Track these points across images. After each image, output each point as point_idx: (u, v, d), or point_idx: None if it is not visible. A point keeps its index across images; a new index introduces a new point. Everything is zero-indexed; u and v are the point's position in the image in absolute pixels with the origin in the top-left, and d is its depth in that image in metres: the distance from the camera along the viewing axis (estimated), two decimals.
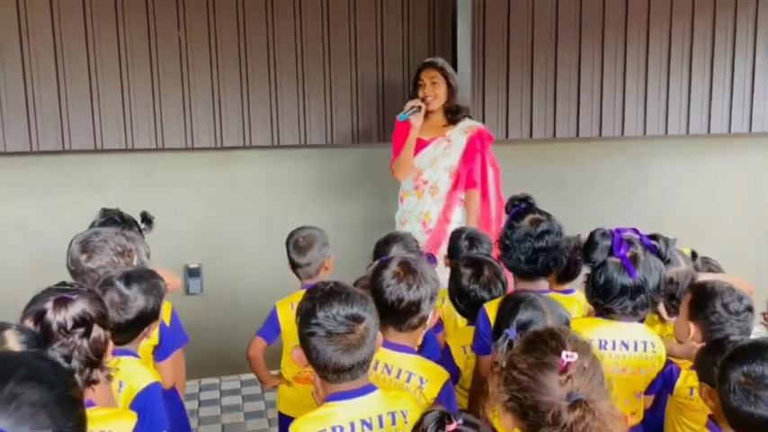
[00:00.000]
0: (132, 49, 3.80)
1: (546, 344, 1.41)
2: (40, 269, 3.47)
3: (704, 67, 4.70)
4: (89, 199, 3.38)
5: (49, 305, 1.57)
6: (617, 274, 2.02)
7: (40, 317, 1.56)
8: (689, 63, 4.67)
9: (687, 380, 2.09)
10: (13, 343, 1.35)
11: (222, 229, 4.20)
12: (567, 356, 1.35)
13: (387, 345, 1.94)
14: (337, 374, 1.64)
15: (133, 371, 1.96)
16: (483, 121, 4.35)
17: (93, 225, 2.53)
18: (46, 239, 3.74)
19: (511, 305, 1.94)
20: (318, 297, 1.66)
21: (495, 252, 2.57)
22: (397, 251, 2.58)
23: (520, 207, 2.37)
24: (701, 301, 2.11)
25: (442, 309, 2.65)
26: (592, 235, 2.10)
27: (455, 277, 2.46)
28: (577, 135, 4.57)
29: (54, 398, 0.99)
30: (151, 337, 2.14)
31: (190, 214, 4.13)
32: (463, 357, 2.33)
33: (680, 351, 2.20)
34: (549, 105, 4.48)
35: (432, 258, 2.61)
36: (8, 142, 3.71)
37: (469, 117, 3.74)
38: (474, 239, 2.82)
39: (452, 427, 1.33)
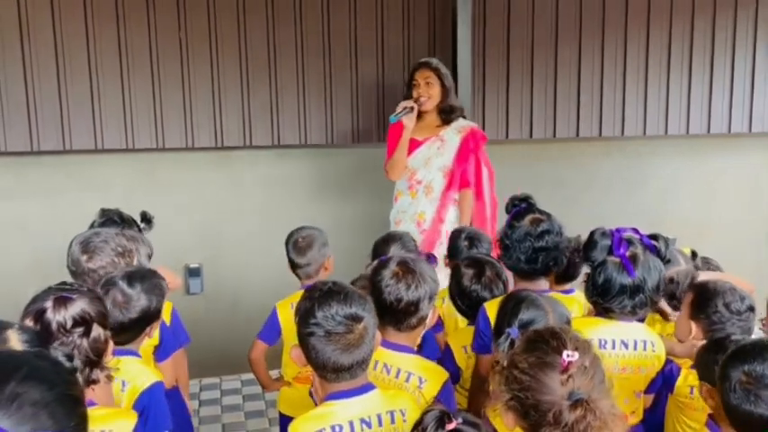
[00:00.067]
0: (133, 50, 3.81)
1: (547, 343, 1.41)
2: (41, 269, 3.47)
3: (704, 67, 4.70)
4: (90, 199, 3.38)
5: (48, 304, 1.58)
6: (616, 274, 2.03)
7: (39, 316, 1.57)
8: (689, 63, 4.67)
9: (687, 379, 2.09)
10: (15, 342, 1.36)
11: (222, 228, 4.21)
12: (568, 356, 1.36)
13: (386, 344, 1.94)
14: (336, 374, 1.64)
15: (136, 370, 1.97)
16: (483, 121, 4.36)
17: (92, 225, 2.53)
18: (46, 239, 3.73)
19: (512, 304, 1.94)
20: (317, 297, 1.66)
21: (495, 252, 2.57)
22: (395, 251, 2.58)
23: (520, 207, 2.37)
24: (703, 300, 2.11)
25: (442, 309, 2.65)
26: (592, 234, 2.11)
27: (456, 277, 2.46)
28: (577, 135, 4.57)
29: (55, 397, 0.99)
30: (153, 337, 2.14)
31: (190, 214, 4.13)
32: (464, 357, 2.33)
33: (681, 350, 2.20)
34: (549, 105, 4.48)
35: (432, 258, 2.61)
36: (9, 142, 3.72)
37: (464, 117, 3.74)
38: (474, 239, 2.82)
39: (452, 425, 1.33)
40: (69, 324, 1.57)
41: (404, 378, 1.93)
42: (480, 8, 4.24)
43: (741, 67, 4.75)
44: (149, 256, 2.38)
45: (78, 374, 1.53)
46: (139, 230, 2.57)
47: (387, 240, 2.71)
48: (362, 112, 4.19)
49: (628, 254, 2.04)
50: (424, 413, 1.38)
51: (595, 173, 4.79)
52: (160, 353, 2.33)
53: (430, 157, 3.63)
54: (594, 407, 1.32)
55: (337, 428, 1.63)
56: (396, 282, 1.93)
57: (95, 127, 3.81)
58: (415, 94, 3.60)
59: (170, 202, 4.03)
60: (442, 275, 2.51)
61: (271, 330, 2.66)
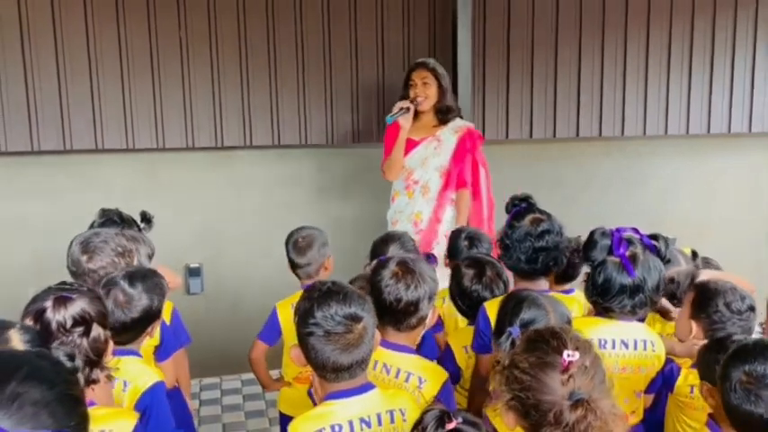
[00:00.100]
0: (133, 50, 3.81)
1: (547, 343, 1.42)
2: (41, 269, 3.48)
3: (704, 67, 4.71)
4: (90, 199, 3.38)
5: (48, 304, 1.58)
6: (616, 273, 2.03)
7: (39, 316, 1.57)
8: (689, 63, 4.68)
9: (687, 378, 2.09)
10: (17, 342, 1.36)
11: (223, 228, 4.21)
12: (569, 356, 1.36)
13: (386, 344, 1.95)
14: (336, 374, 1.64)
15: (137, 370, 1.97)
16: (483, 121, 4.36)
17: (92, 225, 2.53)
18: (46, 239, 3.74)
19: (513, 303, 1.94)
20: (316, 297, 1.66)
21: (495, 251, 2.57)
22: (394, 251, 2.58)
23: (520, 207, 2.37)
24: (704, 299, 2.12)
25: (442, 309, 2.65)
26: (591, 234, 2.11)
27: (457, 278, 2.45)
28: (577, 135, 4.57)
29: (55, 397, 0.99)
30: (154, 336, 2.14)
31: (190, 214, 4.14)
32: (464, 357, 2.33)
33: (681, 350, 2.20)
34: (549, 105, 4.48)
35: (432, 258, 2.61)
36: (9, 142, 3.72)
37: (460, 117, 3.75)
38: (474, 239, 2.82)
39: (452, 425, 1.33)
40: (69, 324, 1.57)
41: (403, 378, 1.93)
42: (480, 8, 4.24)
43: (741, 66, 4.75)
44: (151, 256, 2.38)
45: (80, 374, 1.54)
46: (139, 230, 2.57)
47: (385, 240, 2.71)
48: (362, 112, 4.19)
49: (628, 254, 2.04)
50: (424, 412, 1.38)
51: (595, 173, 4.79)
52: (161, 353, 2.33)
53: (427, 157, 3.63)
54: (595, 407, 1.32)
55: (337, 428, 1.63)
56: (395, 282, 1.93)
57: (95, 127, 3.82)
58: (411, 94, 3.60)
59: (170, 202, 4.03)
60: (441, 275, 2.51)
61: (271, 331, 2.66)
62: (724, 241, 4.67)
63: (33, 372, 1.00)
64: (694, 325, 2.13)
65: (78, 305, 1.60)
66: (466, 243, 2.81)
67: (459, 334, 2.44)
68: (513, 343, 1.51)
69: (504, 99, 4.40)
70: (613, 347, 2.04)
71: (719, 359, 1.61)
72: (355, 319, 1.64)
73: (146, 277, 2.03)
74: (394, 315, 1.95)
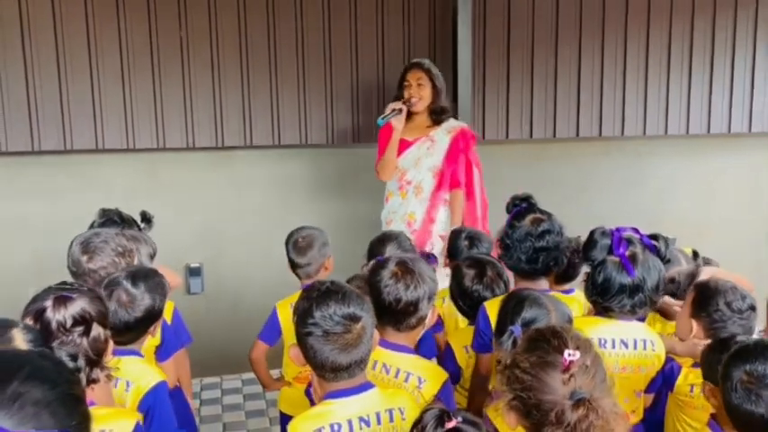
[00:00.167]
0: (134, 50, 3.81)
1: (548, 342, 1.42)
2: (41, 269, 3.48)
3: (704, 67, 4.71)
4: (90, 199, 3.38)
5: (48, 303, 1.58)
6: (616, 273, 2.03)
7: (39, 315, 1.57)
8: (689, 63, 4.68)
9: (688, 377, 2.10)
10: (20, 341, 1.36)
11: (223, 228, 4.21)
12: (570, 355, 1.36)
13: (385, 344, 1.95)
14: (335, 373, 1.65)
15: (139, 371, 1.97)
16: (483, 121, 4.37)
17: (92, 225, 2.54)
18: (47, 239, 3.74)
19: (515, 302, 1.94)
20: (315, 297, 1.66)
21: (495, 251, 2.57)
22: (391, 250, 2.57)
23: (521, 206, 2.37)
24: (704, 298, 2.12)
25: (442, 309, 2.65)
26: (591, 233, 2.11)
27: (457, 278, 2.45)
28: (577, 135, 4.57)
29: (57, 396, 0.99)
30: (156, 336, 2.14)
31: (191, 214, 4.14)
32: (465, 357, 2.33)
33: (682, 349, 2.20)
34: (549, 105, 4.49)
35: (432, 258, 2.61)
36: (10, 142, 3.72)
37: (454, 117, 3.75)
38: (474, 239, 2.82)
39: (452, 424, 1.33)
40: (69, 323, 1.57)
41: (403, 378, 1.93)
42: (480, 8, 4.24)
43: (741, 66, 4.76)
44: (152, 256, 2.39)
45: (82, 374, 1.54)
46: (139, 230, 2.57)
47: (383, 240, 2.71)
48: (362, 112, 4.19)
49: (627, 253, 2.04)
50: (424, 412, 1.38)
51: (595, 173, 4.79)
52: (162, 352, 2.33)
53: (420, 158, 3.64)
54: (597, 406, 1.32)
55: (336, 427, 1.63)
56: (395, 282, 1.93)
57: (96, 127, 3.82)
58: (406, 94, 3.61)
59: (170, 202, 4.03)
60: (439, 275, 2.51)
61: (271, 331, 2.66)
62: (724, 241, 4.67)
63: (35, 371, 1.00)
64: (695, 324, 2.13)
65: (78, 305, 1.60)
66: (466, 243, 2.81)
67: (460, 334, 2.44)
68: (514, 342, 1.52)
69: (504, 99, 4.40)
70: (613, 347, 2.04)
71: (723, 359, 1.61)
72: (354, 318, 1.64)
73: (148, 277, 2.03)
74: (393, 315, 1.95)
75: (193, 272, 4.17)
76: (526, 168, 4.53)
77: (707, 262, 2.64)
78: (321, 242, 2.70)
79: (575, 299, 2.39)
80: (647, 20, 4.55)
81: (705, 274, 2.39)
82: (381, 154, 3.68)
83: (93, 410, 1.08)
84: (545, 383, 1.36)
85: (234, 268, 4.24)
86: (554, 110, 4.49)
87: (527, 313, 1.89)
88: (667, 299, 2.40)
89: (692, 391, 2.09)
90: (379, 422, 1.66)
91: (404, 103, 3.58)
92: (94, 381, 1.62)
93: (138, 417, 1.72)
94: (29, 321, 1.57)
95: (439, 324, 2.58)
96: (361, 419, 1.65)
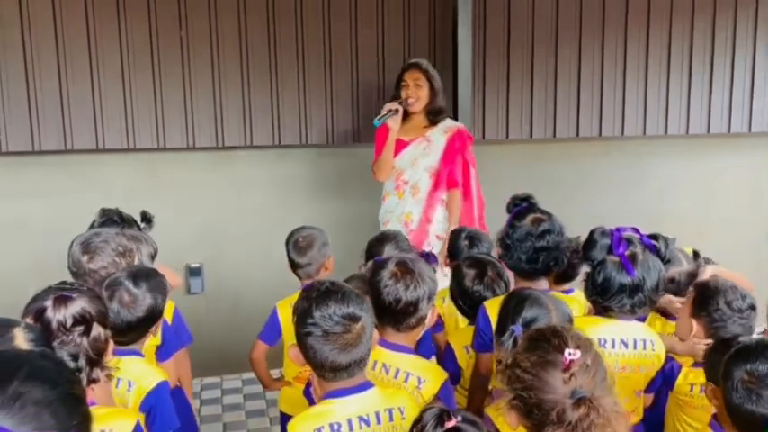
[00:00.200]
0: (134, 50, 3.81)
1: (549, 342, 1.42)
2: (42, 269, 3.47)
3: (704, 67, 4.71)
4: (91, 199, 3.38)
5: (48, 303, 1.58)
6: (615, 273, 2.03)
7: (39, 315, 1.57)
8: (689, 63, 4.68)
9: (687, 377, 2.10)
10: (21, 340, 1.36)
11: (223, 228, 4.21)
12: (570, 354, 1.36)
13: (385, 344, 1.95)
14: (334, 373, 1.65)
15: (141, 370, 1.98)
16: (483, 121, 4.37)
17: (92, 225, 2.54)
18: (47, 239, 3.74)
19: (515, 302, 1.94)
20: (314, 297, 1.67)
21: (495, 251, 2.58)
22: (389, 250, 2.57)
23: (521, 206, 2.38)
24: (704, 298, 2.12)
25: (442, 308, 2.65)
26: (591, 233, 2.12)
27: (458, 278, 2.46)
28: (577, 135, 4.57)
29: (57, 396, 0.99)
30: (157, 335, 2.15)
31: (191, 214, 4.14)
32: (465, 357, 2.33)
33: (682, 349, 2.20)
34: (549, 105, 4.49)
35: (432, 258, 2.61)
36: (10, 142, 3.72)
37: (451, 117, 3.75)
38: (474, 239, 2.83)
39: (451, 423, 1.33)
40: (69, 323, 1.57)
41: (402, 378, 1.93)
42: (480, 8, 4.24)
43: (741, 66, 4.76)
44: (153, 256, 2.39)
45: (83, 374, 1.54)
46: (139, 230, 2.57)
47: (381, 240, 2.71)
48: (362, 113, 4.19)
49: (627, 253, 2.04)
50: (424, 411, 1.38)
51: (595, 173, 4.79)
52: (162, 352, 2.33)
53: (416, 158, 3.65)
54: (598, 404, 1.32)
55: (336, 426, 1.63)
56: (394, 282, 1.93)
57: (96, 127, 3.82)
58: (403, 94, 3.62)
59: (171, 202, 4.03)
60: (439, 275, 2.51)
61: (271, 331, 2.66)
62: (724, 241, 4.67)
63: (35, 371, 1.00)
64: (695, 323, 2.13)
65: (78, 304, 1.60)
66: (466, 243, 2.82)
67: (460, 334, 2.44)
68: (515, 341, 1.52)
69: (504, 99, 4.41)
70: (613, 347, 2.04)
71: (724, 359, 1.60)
72: (353, 318, 1.65)
73: (149, 276, 2.04)
74: (393, 315, 1.95)
75: (193, 272, 4.17)
76: (526, 168, 4.53)
77: (707, 262, 2.64)
78: (321, 242, 2.70)
79: (574, 299, 2.39)
80: (647, 20, 4.56)
81: (707, 273, 2.40)
82: (378, 154, 3.69)
83: (92, 410, 1.08)
84: (546, 382, 1.37)
85: (234, 268, 4.24)
86: (554, 110, 4.49)
87: (528, 313, 1.89)
88: (669, 296, 2.40)
89: (691, 390, 2.09)
90: (378, 421, 1.66)
91: (400, 103, 3.59)
92: (95, 380, 1.62)
93: (137, 417, 1.72)
94: (29, 320, 1.57)
95: (439, 324, 2.57)
96: (360, 419, 1.65)
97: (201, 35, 3.90)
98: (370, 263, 2.35)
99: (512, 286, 2.40)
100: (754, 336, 2.08)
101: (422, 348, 2.26)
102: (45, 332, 1.52)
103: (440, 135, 3.65)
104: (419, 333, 2.05)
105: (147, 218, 2.64)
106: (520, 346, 1.48)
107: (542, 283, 2.32)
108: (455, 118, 4.01)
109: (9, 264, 3.85)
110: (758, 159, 5.13)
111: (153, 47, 3.84)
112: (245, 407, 3.96)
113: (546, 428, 1.35)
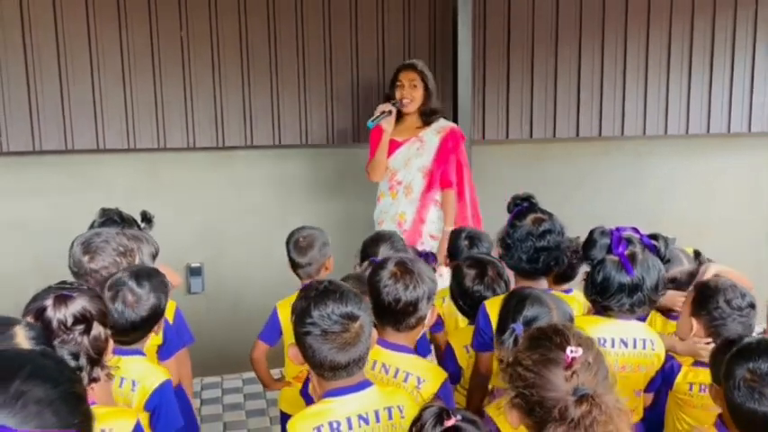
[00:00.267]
0: (135, 50, 3.82)
1: (550, 340, 1.42)
2: (42, 269, 3.47)
3: (704, 67, 4.71)
4: (91, 199, 3.39)
5: (49, 302, 1.58)
6: (615, 272, 2.04)
7: (40, 314, 1.57)
8: (688, 63, 4.68)
9: (687, 376, 2.10)
10: (23, 338, 1.36)
11: (224, 228, 4.21)
12: (572, 352, 1.36)
13: (385, 344, 1.95)
14: (333, 372, 1.65)
15: (144, 370, 1.99)
16: (483, 121, 4.37)
17: (92, 225, 2.54)
18: (48, 239, 3.74)
19: (516, 301, 1.94)
20: (313, 296, 1.67)
21: (496, 251, 2.58)
22: (384, 250, 2.57)
23: (522, 206, 2.38)
24: (704, 297, 2.12)
25: (442, 308, 2.65)
26: (591, 233, 2.12)
27: (458, 278, 2.46)
28: (577, 135, 4.58)
29: (59, 395, 0.99)
30: (158, 334, 2.15)
31: (191, 214, 4.14)
32: (466, 357, 2.33)
33: (682, 348, 2.20)
34: (549, 105, 4.49)
35: (432, 257, 2.61)
36: (11, 142, 3.73)
37: (445, 117, 3.76)
38: (474, 239, 2.83)
39: (451, 422, 1.34)
40: (70, 321, 1.57)
41: (402, 378, 1.94)
42: (480, 8, 4.25)
43: (741, 67, 4.76)
44: (155, 256, 2.39)
45: (84, 373, 1.54)
46: (140, 230, 2.57)
47: (376, 240, 2.71)
48: (362, 112, 4.19)
49: (627, 253, 2.04)
50: (423, 409, 1.39)
51: (595, 173, 4.80)
52: (163, 352, 2.33)
53: (409, 158, 3.66)
54: (600, 401, 1.32)
55: (335, 425, 1.64)
56: (394, 282, 1.94)
57: (97, 127, 3.82)
58: (398, 94, 3.63)
59: (171, 202, 4.03)
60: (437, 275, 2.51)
61: (271, 331, 2.66)
62: (723, 241, 4.67)
63: (37, 370, 1.00)
64: (695, 323, 2.13)
65: (79, 303, 1.60)
66: (466, 243, 2.82)
67: (460, 333, 2.45)
68: (515, 340, 1.52)
69: (505, 99, 4.41)
70: (612, 346, 2.05)
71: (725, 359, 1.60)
72: (352, 317, 1.65)
73: (151, 276, 2.04)
74: (393, 315, 1.95)
75: (194, 271, 4.17)
76: (526, 168, 4.53)
77: (708, 261, 2.64)
78: (322, 242, 2.70)
79: (573, 299, 2.39)
80: (647, 20, 4.56)
81: (710, 271, 2.40)
82: (372, 155, 3.71)
83: (93, 410, 1.09)
84: (548, 380, 1.37)
85: (234, 268, 4.24)
86: (554, 110, 4.50)
87: (529, 311, 1.89)
88: (673, 292, 2.40)
89: (690, 389, 2.10)
90: (378, 420, 1.67)
91: (394, 104, 3.61)
92: (95, 379, 1.62)
93: (137, 416, 1.72)
94: (29, 320, 1.57)
95: (439, 324, 2.58)
96: (360, 417, 1.65)
97: (202, 36, 3.91)
98: (365, 263, 2.36)
99: (512, 286, 2.40)
100: (755, 335, 2.08)
101: (418, 347, 2.26)
102: (46, 331, 1.53)
103: (433, 135, 3.67)
104: (419, 333, 2.05)
105: (147, 218, 2.64)
106: (521, 344, 1.48)
107: (542, 283, 2.32)
108: (455, 118, 4.02)
109: (9, 263, 3.85)
110: (758, 159, 5.13)
111: (153, 47, 3.84)
112: (245, 406, 3.96)
113: (548, 426, 1.35)
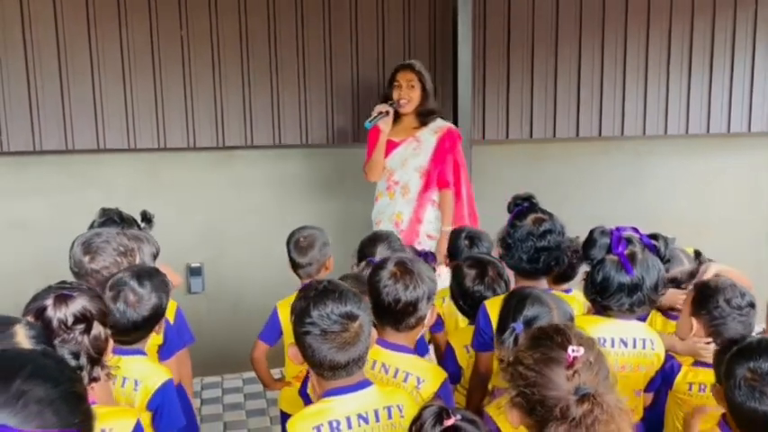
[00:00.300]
0: (135, 50, 3.82)
1: (551, 339, 1.42)
2: (43, 269, 3.47)
3: (704, 67, 4.71)
4: (91, 198, 3.40)
5: (49, 302, 1.59)
6: (614, 272, 2.04)
7: (40, 313, 1.58)
8: (688, 63, 4.68)
9: (687, 376, 2.10)
10: (23, 337, 1.36)
11: (224, 228, 4.21)
12: (574, 351, 1.37)
13: (384, 344, 1.95)
14: (333, 371, 1.66)
15: (146, 370, 2.00)
16: (483, 121, 4.37)
17: (92, 225, 2.54)
18: (48, 239, 3.74)
19: (516, 300, 1.94)
20: (312, 296, 1.68)
21: (496, 251, 2.58)
22: (382, 250, 2.58)
23: (522, 206, 2.38)
24: (704, 296, 2.12)
25: (442, 308, 2.65)
26: (591, 232, 2.12)
27: (458, 278, 2.46)
28: (577, 135, 4.58)
29: (59, 394, 1.00)
30: (160, 334, 2.15)
31: (192, 213, 4.14)
32: (466, 357, 2.33)
33: (682, 348, 2.20)
34: (549, 105, 4.49)
35: (432, 257, 2.62)
36: (11, 142, 3.73)
37: (442, 118, 3.76)
38: (474, 239, 2.83)
39: (450, 422, 1.34)
40: (70, 321, 1.58)
41: (402, 378, 1.94)
42: (480, 8, 4.25)
43: (740, 67, 4.76)
44: (155, 255, 2.39)
45: (84, 373, 1.54)
46: (140, 230, 2.57)
47: (373, 240, 2.71)
48: (363, 113, 4.18)
49: (626, 252, 2.05)
50: (423, 409, 1.39)
51: (595, 172, 4.80)
52: (164, 351, 2.33)
53: (406, 158, 3.67)
54: (601, 401, 1.32)
55: (335, 424, 1.64)
56: (394, 282, 1.94)
57: (97, 127, 3.83)
58: (396, 95, 3.64)
59: (171, 202, 4.04)
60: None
61: (272, 331, 2.66)
62: (723, 241, 4.67)
63: (37, 370, 1.00)
64: (695, 322, 2.13)
65: (79, 303, 1.61)
66: (466, 243, 2.82)
67: (461, 333, 2.45)
68: (516, 339, 1.52)
69: (505, 99, 4.41)
70: (612, 346, 2.05)
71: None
72: (351, 317, 1.65)
73: (152, 276, 2.05)
74: (393, 315, 1.95)
75: (194, 271, 4.17)
76: (526, 168, 4.54)
77: (708, 261, 2.64)
78: (322, 242, 2.70)
79: (573, 298, 2.39)
80: (647, 20, 4.56)
81: (711, 271, 2.40)
82: (369, 156, 3.72)
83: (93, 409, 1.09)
84: (549, 379, 1.37)
85: (234, 268, 4.24)
86: (554, 110, 4.50)
87: (529, 311, 1.89)
88: (674, 290, 2.40)
89: (690, 389, 2.10)
90: (377, 419, 1.67)
91: (391, 104, 3.62)
92: (96, 379, 1.63)
93: (137, 416, 1.72)
94: (29, 319, 1.57)
95: (439, 324, 2.58)
96: (359, 417, 1.65)
97: (202, 35, 3.91)
98: (363, 263, 2.36)
99: (512, 286, 2.40)
100: (755, 335, 2.08)
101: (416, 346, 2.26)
102: (46, 330, 1.53)
103: (429, 135, 3.67)
104: (419, 333, 2.05)
105: (147, 218, 2.65)
106: (522, 343, 1.48)
107: (542, 283, 2.32)
108: (455, 118, 4.02)
109: (10, 263, 3.85)
110: (758, 159, 5.13)
111: (154, 47, 3.85)
112: (245, 406, 3.97)
113: (549, 425, 1.35)
